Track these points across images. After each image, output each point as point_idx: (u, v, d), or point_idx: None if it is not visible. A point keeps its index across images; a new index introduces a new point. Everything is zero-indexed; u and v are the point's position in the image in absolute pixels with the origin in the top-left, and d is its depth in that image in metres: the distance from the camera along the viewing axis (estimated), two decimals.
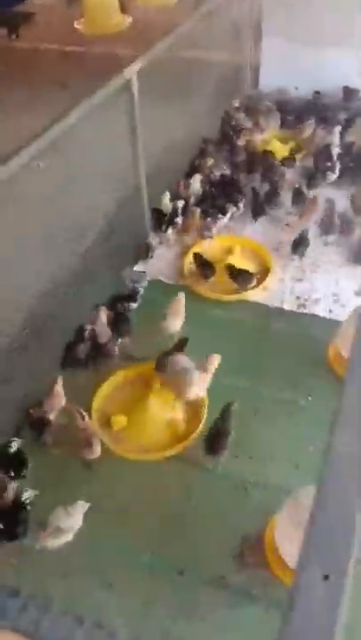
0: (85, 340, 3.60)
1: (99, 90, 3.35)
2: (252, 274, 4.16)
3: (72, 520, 2.75)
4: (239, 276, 4.14)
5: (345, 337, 3.48)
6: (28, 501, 2.85)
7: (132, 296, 3.99)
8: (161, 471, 3.17)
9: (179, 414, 3.37)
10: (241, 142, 5.53)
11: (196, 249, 4.45)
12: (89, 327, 3.64)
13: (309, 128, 5.75)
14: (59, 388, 3.32)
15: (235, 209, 4.70)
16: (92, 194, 3.71)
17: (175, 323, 3.72)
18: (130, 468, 3.18)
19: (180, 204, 4.63)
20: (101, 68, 4.75)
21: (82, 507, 2.78)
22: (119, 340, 3.70)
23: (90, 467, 3.14)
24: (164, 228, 4.47)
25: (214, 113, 5.79)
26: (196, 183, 4.89)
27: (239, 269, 4.15)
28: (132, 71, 3.67)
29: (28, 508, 2.84)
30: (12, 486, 2.88)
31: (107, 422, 3.34)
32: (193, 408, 3.41)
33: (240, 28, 5.97)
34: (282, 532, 2.55)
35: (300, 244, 4.39)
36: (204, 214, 4.63)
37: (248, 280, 4.14)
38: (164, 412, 3.34)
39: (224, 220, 4.63)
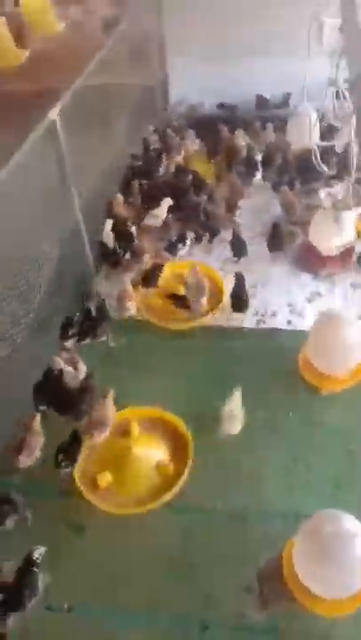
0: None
1: (26, 140, 3.19)
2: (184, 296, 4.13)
3: None
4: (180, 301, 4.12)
5: (313, 346, 3.52)
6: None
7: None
8: (155, 519, 3.04)
9: (165, 456, 3.25)
10: (163, 167, 5.48)
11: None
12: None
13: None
14: (36, 425, 3.17)
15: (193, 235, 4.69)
16: (32, 243, 3.52)
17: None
18: (123, 523, 3.03)
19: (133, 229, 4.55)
20: (20, 108, 4.58)
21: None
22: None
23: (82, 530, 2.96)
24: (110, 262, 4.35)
25: (135, 134, 5.78)
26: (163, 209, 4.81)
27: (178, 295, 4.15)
28: (55, 112, 3.53)
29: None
30: None
31: (91, 481, 3.17)
32: (178, 444, 3.32)
33: (145, 50, 5.96)
34: (303, 560, 2.49)
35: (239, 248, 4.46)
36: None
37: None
38: (149, 458, 3.22)
39: (185, 248, 4.60)
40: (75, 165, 3.92)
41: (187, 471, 3.15)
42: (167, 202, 4.80)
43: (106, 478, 3.14)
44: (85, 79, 4.13)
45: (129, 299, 4.07)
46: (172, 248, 4.54)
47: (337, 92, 3.48)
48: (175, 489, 3.08)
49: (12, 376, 3.24)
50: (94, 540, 3.00)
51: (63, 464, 3.13)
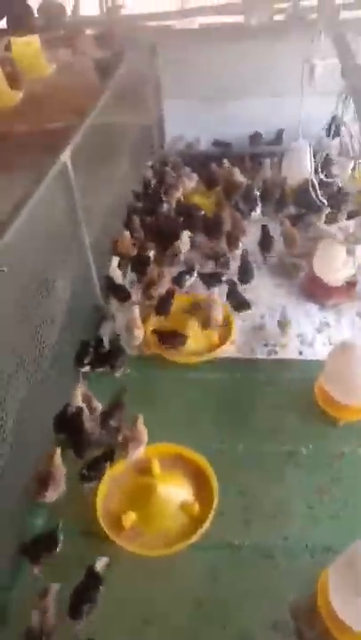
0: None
1: (41, 182, 3.24)
2: (180, 333, 4.10)
3: None
4: (168, 338, 4.10)
5: (330, 376, 3.55)
6: None
7: None
8: (180, 557, 2.99)
9: (189, 494, 3.22)
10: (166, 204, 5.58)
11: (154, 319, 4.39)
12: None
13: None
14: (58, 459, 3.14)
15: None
16: (48, 282, 3.55)
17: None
18: (147, 563, 2.98)
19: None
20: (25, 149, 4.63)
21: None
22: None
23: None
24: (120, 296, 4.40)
25: (135, 173, 5.91)
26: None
27: (167, 332, 4.14)
28: (67, 154, 3.60)
29: None
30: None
31: (115, 522, 3.11)
32: (200, 481, 3.29)
33: (142, 91, 6.15)
34: (339, 594, 2.46)
35: (245, 271, 4.54)
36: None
37: (180, 340, 4.08)
38: (173, 497, 3.18)
39: (191, 280, 4.64)
40: (83, 204, 3.99)
41: (213, 511, 3.11)
42: (187, 234, 4.94)
43: (130, 517, 3.08)
44: (92, 120, 4.22)
45: (137, 327, 4.11)
46: (179, 279, 4.59)
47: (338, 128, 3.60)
48: (202, 530, 3.04)
49: (30, 413, 3.20)
50: (119, 580, 2.92)
51: (88, 476, 3.13)
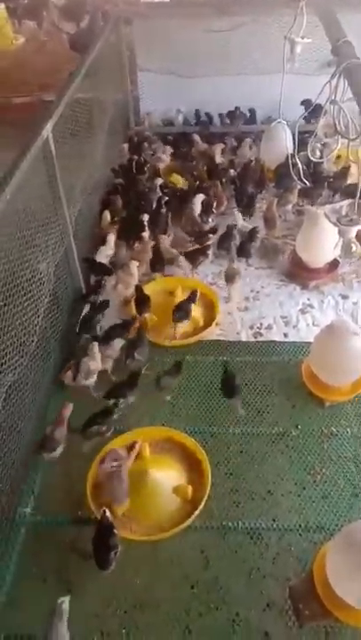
0: None
1: (24, 158, 3.09)
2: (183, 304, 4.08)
3: None
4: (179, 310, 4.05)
5: (317, 357, 3.56)
6: None
7: None
8: (173, 541, 2.97)
9: (181, 478, 3.19)
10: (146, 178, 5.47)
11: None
12: None
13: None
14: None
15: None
16: (32, 263, 3.41)
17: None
18: (140, 548, 2.94)
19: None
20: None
21: None
22: None
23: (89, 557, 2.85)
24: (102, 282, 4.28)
25: (112, 150, 5.76)
26: None
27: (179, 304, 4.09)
28: (48, 128, 3.44)
29: None
30: None
31: (107, 508, 3.04)
32: (191, 464, 3.27)
33: (117, 67, 5.96)
34: (338, 573, 2.48)
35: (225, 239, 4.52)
36: None
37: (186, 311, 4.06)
38: (166, 481, 3.14)
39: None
40: (64, 182, 3.85)
41: (207, 493, 3.09)
42: (200, 197, 4.97)
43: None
44: (71, 94, 4.05)
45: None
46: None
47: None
48: (196, 513, 3.01)
49: (15, 402, 3.10)
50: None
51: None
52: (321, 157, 3.68)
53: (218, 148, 5.87)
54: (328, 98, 3.12)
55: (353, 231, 3.05)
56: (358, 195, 2.88)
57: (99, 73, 5.02)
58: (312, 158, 3.60)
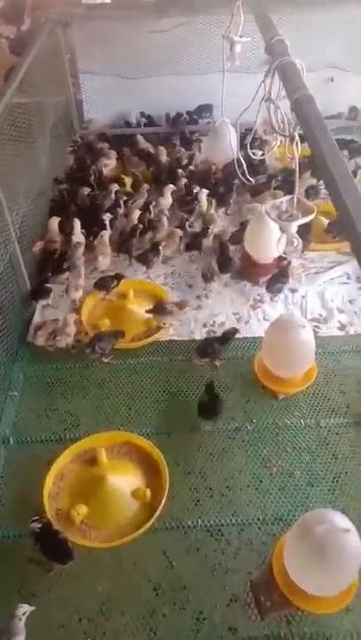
0: None
1: None
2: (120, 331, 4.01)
3: None
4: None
5: (268, 351, 3.61)
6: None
7: None
8: (135, 546, 2.95)
9: (139, 481, 3.17)
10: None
11: (89, 301, 4.29)
12: None
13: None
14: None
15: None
16: None
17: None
18: (100, 555, 2.92)
19: None
20: None
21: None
22: None
23: (51, 570, 2.83)
24: None
25: (57, 155, 5.68)
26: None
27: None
28: None
29: None
30: None
31: (66, 516, 3.02)
32: (149, 466, 3.26)
33: (58, 70, 5.88)
34: (295, 563, 2.53)
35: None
36: None
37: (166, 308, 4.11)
38: (124, 485, 3.12)
39: None
40: (4, 188, 3.78)
41: (165, 496, 3.08)
42: (170, 188, 5.08)
43: (81, 511, 3.00)
44: (7, 100, 3.97)
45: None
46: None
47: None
48: (155, 515, 3.01)
49: None
50: (74, 576, 2.85)
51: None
52: (263, 155, 3.72)
53: (163, 149, 5.87)
54: (263, 96, 3.16)
55: (294, 226, 3.11)
56: (296, 190, 2.94)
57: (37, 77, 4.93)
58: (252, 156, 3.65)
